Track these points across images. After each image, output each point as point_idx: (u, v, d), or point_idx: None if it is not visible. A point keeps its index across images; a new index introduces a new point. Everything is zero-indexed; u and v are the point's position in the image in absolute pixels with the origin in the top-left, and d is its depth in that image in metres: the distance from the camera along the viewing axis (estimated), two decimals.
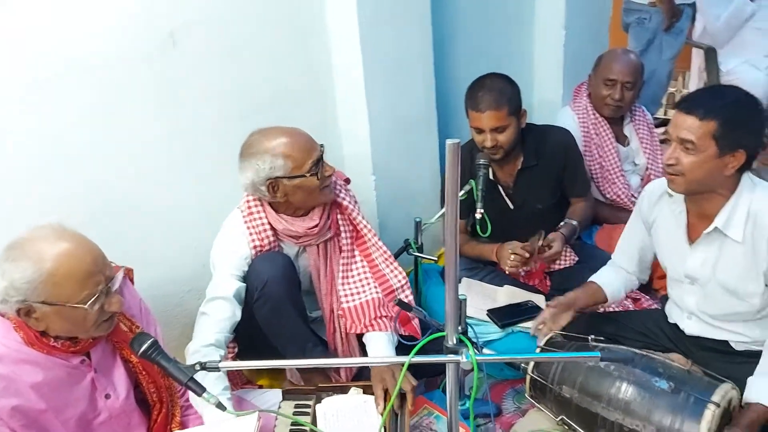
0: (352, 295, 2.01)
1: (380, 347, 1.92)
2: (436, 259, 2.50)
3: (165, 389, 1.67)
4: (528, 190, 2.43)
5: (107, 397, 1.58)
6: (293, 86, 2.29)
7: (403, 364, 1.40)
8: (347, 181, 2.11)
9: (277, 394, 1.89)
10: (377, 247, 2.06)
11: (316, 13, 2.26)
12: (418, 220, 2.35)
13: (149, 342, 1.44)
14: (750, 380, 1.68)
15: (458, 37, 2.76)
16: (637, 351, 1.81)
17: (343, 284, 2.02)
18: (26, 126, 1.80)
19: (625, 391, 1.71)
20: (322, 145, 1.89)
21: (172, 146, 2.10)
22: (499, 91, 2.23)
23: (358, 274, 2.04)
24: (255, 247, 1.92)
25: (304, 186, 1.86)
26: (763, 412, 1.62)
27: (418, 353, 1.37)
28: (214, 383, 1.68)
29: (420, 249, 2.37)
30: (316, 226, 1.94)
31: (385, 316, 1.99)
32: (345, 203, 2.02)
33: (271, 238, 1.94)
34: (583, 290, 2.05)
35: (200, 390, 1.44)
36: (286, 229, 1.93)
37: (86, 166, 1.94)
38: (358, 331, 1.99)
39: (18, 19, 1.72)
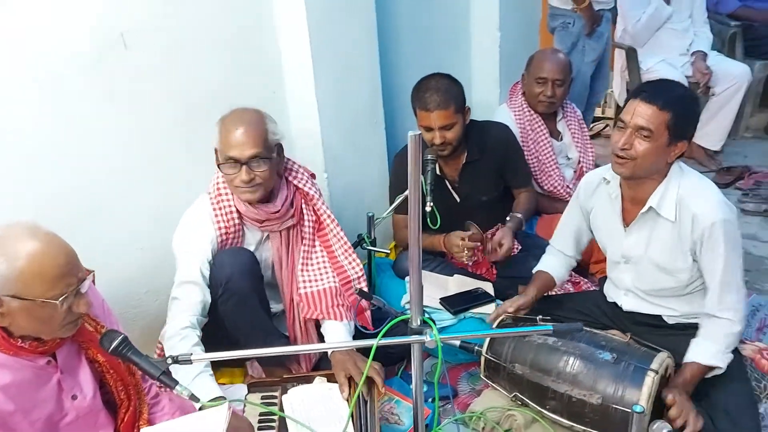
0: (310, 281, 2.07)
1: (339, 335, 1.99)
2: (388, 251, 2.59)
3: (132, 387, 1.67)
4: (473, 183, 2.56)
5: (74, 397, 1.56)
6: (244, 86, 2.32)
7: (370, 348, 1.47)
8: (313, 176, 2.17)
9: (242, 389, 1.93)
10: (338, 237, 2.13)
11: (265, 14, 2.30)
12: (370, 214, 2.43)
13: (120, 338, 1.46)
14: (690, 342, 1.86)
15: (401, 40, 2.87)
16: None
17: (302, 271, 2.07)
18: None
19: (573, 364, 1.84)
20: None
21: (123, 147, 2.09)
22: (445, 90, 2.34)
23: (318, 263, 2.10)
24: (220, 228, 1.96)
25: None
26: (697, 369, 1.80)
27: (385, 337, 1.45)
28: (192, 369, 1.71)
29: (373, 243, 2.46)
30: (278, 212, 1.99)
31: (342, 305, 2.06)
32: (312, 192, 2.09)
33: (236, 221, 1.99)
34: (536, 283, 2.17)
35: (173, 383, 1.46)
36: (249, 210, 1.97)
37: (39, 168, 1.91)
38: (315, 317, 2.05)
39: None
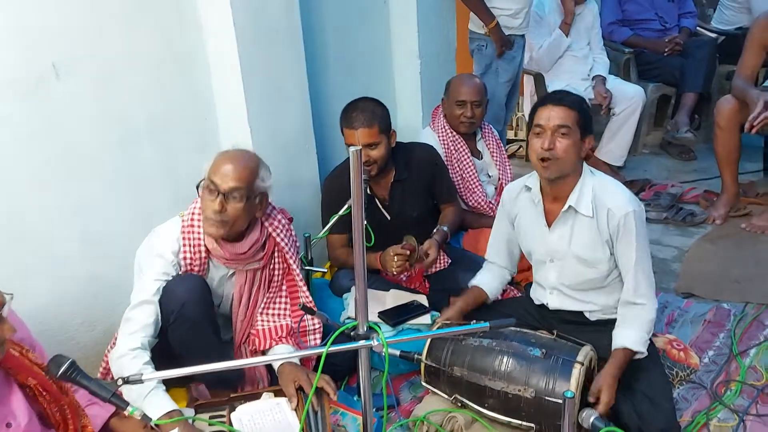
0: (268, 321, 2.14)
1: (287, 350, 2.04)
2: (325, 270, 2.65)
3: (68, 406, 1.63)
4: (402, 201, 2.67)
5: (8, 425, 1.51)
6: (178, 113, 2.36)
7: (318, 357, 1.53)
8: (290, 220, 2.21)
9: (188, 411, 1.92)
10: (300, 286, 2.20)
11: (196, 41, 2.36)
12: (307, 235, 2.50)
13: (68, 363, 1.45)
14: (614, 332, 2.04)
15: (328, 70, 2.98)
16: (513, 328, 2.08)
17: (262, 313, 2.14)
18: None
19: (507, 362, 1.97)
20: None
21: (54, 175, 2.08)
22: (370, 111, 2.47)
23: (280, 307, 2.17)
24: (185, 257, 1.97)
25: None
26: (624, 354, 1.97)
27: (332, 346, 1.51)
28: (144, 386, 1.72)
29: (311, 263, 2.52)
30: (244, 253, 2.02)
31: (292, 338, 2.13)
32: (284, 245, 2.13)
33: (203, 255, 2.01)
34: (467, 296, 2.29)
35: (124, 405, 1.47)
36: (216, 249, 2.00)
37: None
38: (265, 347, 2.09)
39: None
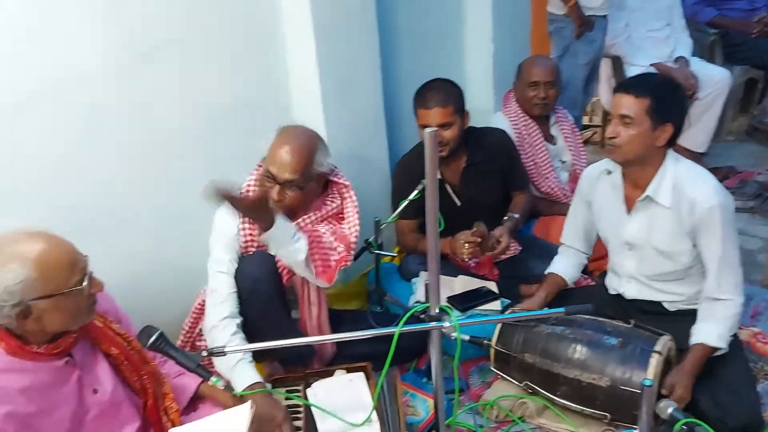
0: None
1: None
2: (395, 255, 2.67)
3: (148, 374, 1.73)
4: (473, 187, 2.65)
5: (95, 392, 1.62)
6: (255, 99, 2.42)
7: (390, 338, 1.55)
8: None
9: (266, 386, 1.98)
10: (353, 231, 2.17)
11: (274, 31, 2.41)
12: (377, 219, 2.52)
13: (156, 334, 1.53)
14: (693, 328, 1.96)
15: (401, 54, 2.98)
16: (587, 317, 2.05)
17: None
18: (8, 145, 1.85)
19: (581, 350, 1.94)
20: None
21: (139, 159, 2.17)
22: (445, 91, 2.46)
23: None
24: (244, 230, 2.02)
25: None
26: (702, 351, 1.90)
27: (404, 326, 1.53)
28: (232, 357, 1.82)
29: (380, 247, 2.54)
30: (296, 225, 2.05)
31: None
32: (348, 183, 2.16)
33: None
34: (547, 285, 2.27)
35: (207, 375, 1.54)
36: None
37: (53, 179, 1.98)
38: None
39: None
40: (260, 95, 2.44)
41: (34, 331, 1.47)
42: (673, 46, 3.98)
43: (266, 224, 1.89)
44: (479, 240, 2.44)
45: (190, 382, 1.86)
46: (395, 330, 1.54)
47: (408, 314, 1.59)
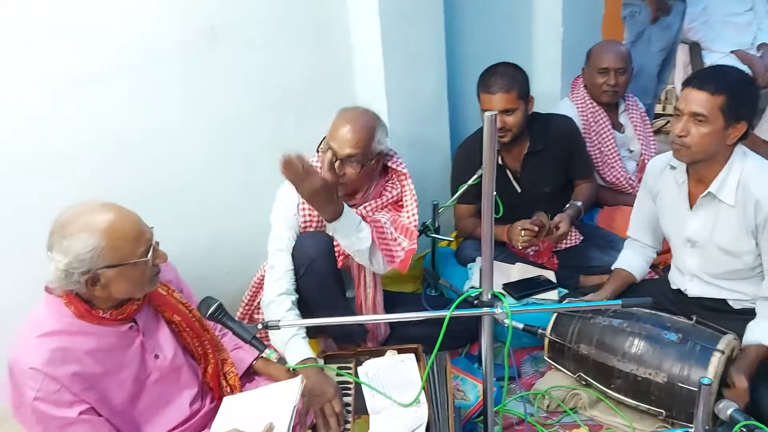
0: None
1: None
2: (451, 239, 2.67)
3: (209, 341, 1.81)
4: (535, 174, 2.61)
5: (156, 357, 1.69)
6: (319, 80, 2.45)
7: (441, 322, 1.55)
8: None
9: (318, 361, 2.03)
10: (410, 214, 2.16)
11: (339, 12, 2.43)
12: (435, 203, 2.52)
13: (216, 305, 1.59)
14: (749, 326, 1.88)
15: (466, 38, 2.95)
16: (646, 311, 1.99)
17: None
18: (79, 119, 1.94)
19: (638, 344, 1.89)
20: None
21: (210, 135, 2.24)
22: (510, 75, 2.42)
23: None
24: (304, 210, 2.07)
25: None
26: (760, 351, 1.82)
27: (455, 311, 1.53)
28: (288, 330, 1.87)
29: (437, 231, 2.55)
30: (353, 203, 2.08)
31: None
32: (406, 171, 2.14)
33: None
34: (615, 281, 2.20)
35: (262, 347, 1.59)
36: None
37: (132, 155, 2.07)
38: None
39: (70, 19, 1.86)
40: (324, 77, 2.47)
41: (101, 297, 1.55)
42: (755, 32, 3.77)
43: (334, 214, 1.92)
44: (536, 229, 2.40)
45: (246, 356, 1.93)
46: (446, 313, 1.54)
47: (460, 299, 1.59)
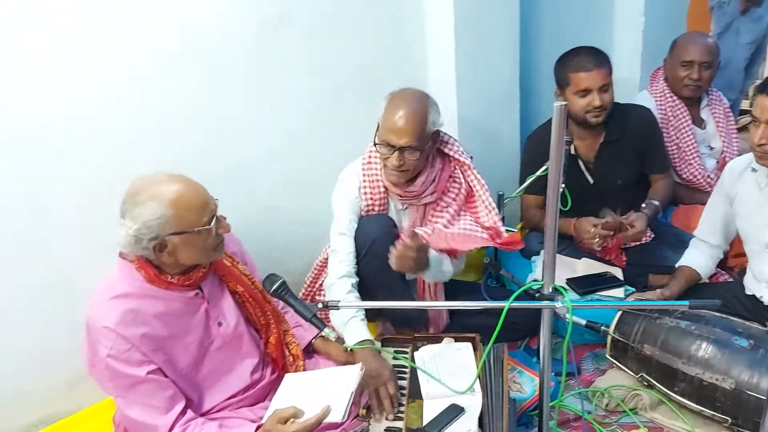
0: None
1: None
2: (516, 231, 2.63)
3: (271, 312, 1.87)
4: (609, 165, 2.53)
5: (220, 324, 1.77)
6: (389, 65, 2.46)
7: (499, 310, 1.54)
8: (471, 157, 2.21)
9: (376, 344, 2.06)
10: (486, 204, 2.16)
11: None
12: (500, 193, 2.49)
13: (279, 282, 1.65)
14: None
15: (541, 25, 2.90)
16: (716, 314, 1.92)
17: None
18: (152, 98, 2.01)
19: (705, 348, 1.82)
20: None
21: (272, 119, 2.28)
22: (599, 53, 2.38)
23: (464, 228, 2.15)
24: (365, 194, 2.10)
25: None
26: None
27: (514, 302, 1.51)
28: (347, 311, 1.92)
29: (502, 222, 2.52)
30: (416, 191, 2.08)
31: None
32: (468, 162, 2.14)
33: (381, 192, 2.11)
34: (680, 279, 2.14)
35: (321, 326, 1.64)
36: (391, 186, 2.09)
37: (201, 134, 2.13)
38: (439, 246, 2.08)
39: (149, 1, 1.93)
40: (394, 62, 2.48)
41: (168, 263, 1.64)
42: None
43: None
44: (611, 233, 2.34)
45: (305, 334, 1.99)
46: (505, 305, 1.53)
47: (519, 290, 1.58)
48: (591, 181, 2.56)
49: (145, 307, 1.63)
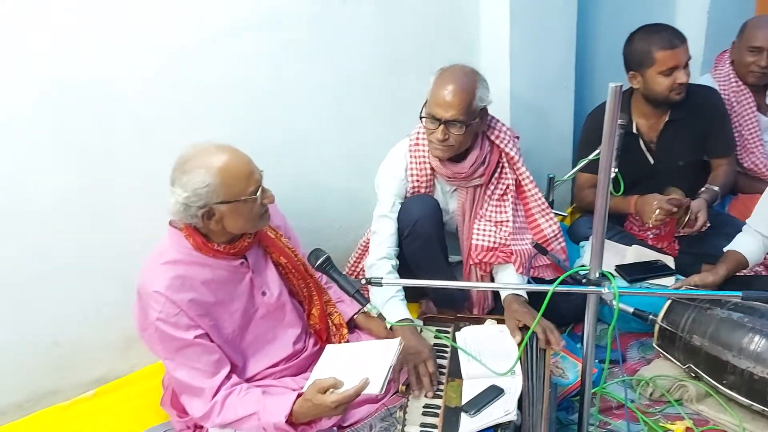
0: (485, 236, 2.13)
1: (513, 280, 2.07)
2: (565, 215, 2.59)
3: (314, 284, 1.91)
4: (671, 145, 2.45)
5: (263, 294, 1.82)
6: (443, 42, 2.44)
7: (543, 298, 1.53)
8: (517, 137, 2.20)
9: (417, 322, 2.07)
10: (535, 198, 2.17)
11: None
12: (551, 176, 2.45)
13: (324, 257, 1.66)
14: None
15: (599, 3, 2.81)
16: None
17: (479, 229, 2.14)
18: (214, 69, 2.05)
19: (758, 341, 1.76)
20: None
21: (329, 93, 2.31)
22: (673, 28, 2.29)
23: (503, 223, 2.14)
24: (412, 175, 2.10)
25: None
26: None
27: (558, 287, 1.49)
28: (386, 289, 1.93)
29: (551, 205, 2.48)
30: (465, 172, 2.07)
31: (522, 262, 2.10)
32: (513, 154, 2.12)
33: (428, 173, 2.10)
34: (727, 263, 2.06)
35: (364, 301, 1.65)
36: (439, 167, 2.09)
37: (255, 108, 2.17)
38: (492, 260, 2.11)
39: None
40: (448, 40, 2.46)
41: (216, 230, 1.68)
42: None
43: None
44: (673, 210, 2.26)
45: (347, 309, 2.02)
46: (549, 288, 1.51)
47: (564, 275, 1.57)
48: (651, 161, 2.48)
49: (193, 274, 1.68)
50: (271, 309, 1.84)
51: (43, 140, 1.84)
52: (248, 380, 1.79)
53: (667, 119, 2.42)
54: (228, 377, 1.69)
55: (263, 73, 2.15)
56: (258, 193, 1.65)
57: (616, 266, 2.34)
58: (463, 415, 1.65)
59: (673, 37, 2.26)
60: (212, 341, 1.69)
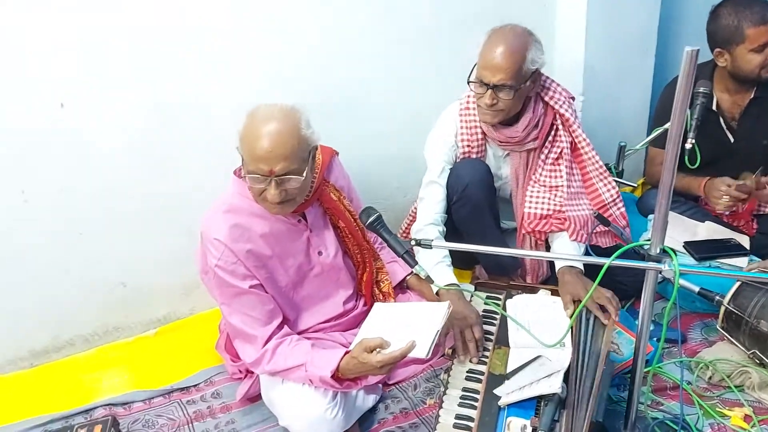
0: (539, 203, 2.07)
1: (568, 249, 2.01)
2: (635, 186, 2.48)
3: (368, 251, 1.91)
4: (755, 123, 2.28)
5: (320, 253, 1.83)
6: (512, 4, 2.35)
7: (599, 268, 1.47)
8: (572, 98, 2.10)
9: (469, 287, 2.05)
10: (593, 161, 2.07)
11: None
12: (622, 144, 2.33)
13: (375, 216, 1.65)
14: None
15: None
16: None
17: (532, 195, 2.08)
18: (283, 33, 2.08)
19: None
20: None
21: (386, 52, 2.28)
22: (766, 2, 2.10)
23: (558, 188, 2.06)
24: (463, 140, 2.04)
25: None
26: None
27: (616, 260, 1.43)
28: (434, 254, 1.90)
29: (620, 174, 2.37)
30: (517, 137, 1.99)
31: (580, 230, 2.03)
32: (568, 116, 2.02)
33: (479, 137, 2.04)
34: None
35: (413, 262, 1.63)
36: (490, 131, 2.02)
37: (315, 73, 2.19)
38: (533, 230, 2.05)
39: None
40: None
41: None
42: None
43: None
44: (744, 196, 2.14)
45: (399, 270, 2.01)
46: (606, 261, 1.45)
47: (624, 248, 1.49)
48: (731, 139, 2.33)
49: (252, 225, 1.70)
50: (326, 269, 1.86)
51: (116, 82, 1.91)
52: (300, 333, 1.83)
53: (752, 96, 2.25)
54: (280, 327, 1.73)
55: (320, 40, 2.15)
56: (259, 182, 1.58)
57: (685, 243, 2.22)
58: (506, 382, 1.63)
59: (765, 11, 2.07)
60: (267, 292, 1.73)
